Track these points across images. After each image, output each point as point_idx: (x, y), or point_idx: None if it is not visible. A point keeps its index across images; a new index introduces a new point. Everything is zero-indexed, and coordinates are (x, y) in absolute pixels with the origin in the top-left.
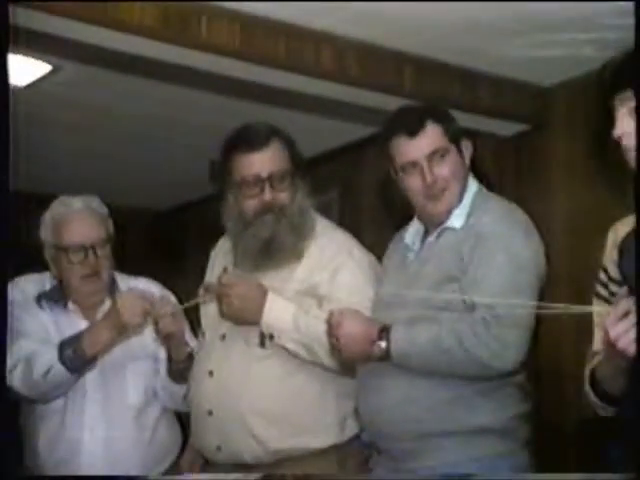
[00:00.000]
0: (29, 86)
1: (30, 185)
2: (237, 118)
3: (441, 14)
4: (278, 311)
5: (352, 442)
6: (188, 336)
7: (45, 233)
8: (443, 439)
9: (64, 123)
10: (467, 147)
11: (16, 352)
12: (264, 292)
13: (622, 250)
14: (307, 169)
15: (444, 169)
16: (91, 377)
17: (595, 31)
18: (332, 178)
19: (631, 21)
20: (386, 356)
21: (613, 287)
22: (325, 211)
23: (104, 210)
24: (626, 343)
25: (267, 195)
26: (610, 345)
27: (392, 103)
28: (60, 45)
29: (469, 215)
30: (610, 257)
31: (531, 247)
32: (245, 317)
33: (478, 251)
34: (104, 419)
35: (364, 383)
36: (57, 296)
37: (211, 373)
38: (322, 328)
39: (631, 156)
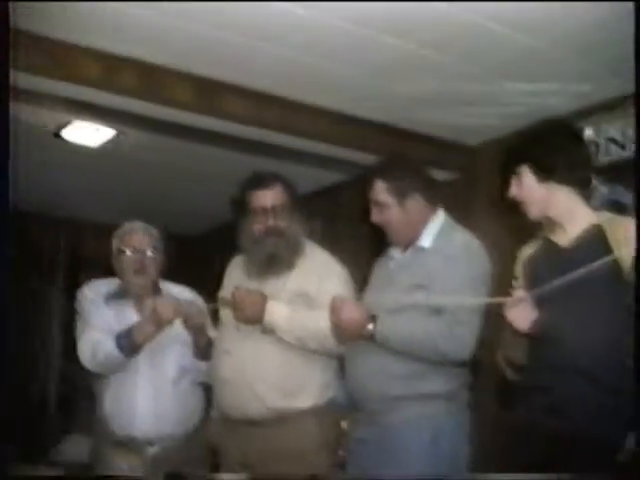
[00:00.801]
0: (100, 147)
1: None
2: (247, 168)
3: (399, 89)
4: (276, 313)
5: (329, 403)
6: (209, 328)
7: (115, 242)
8: (405, 401)
9: (127, 173)
10: (416, 199)
11: (85, 339)
12: (265, 299)
13: (526, 267)
14: (301, 205)
15: (383, 216)
16: (141, 357)
17: (503, 106)
18: (316, 211)
19: (528, 99)
20: (371, 338)
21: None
22: (311, 236)
23: (155, 232)
24: (520, 323)
25: (271, 222)
26: (509, 326)
27: (360, 157)
28: (123, 116)
29: (437, 238)
30: (518, 272)
31: (484, 267)
32: (252, 319)
33: (446, 268)
34: (151, 387)
35: (350, 358)
36: (120, 294)
37: (228, 352)
38: (310, 325)
39: (526, 208)
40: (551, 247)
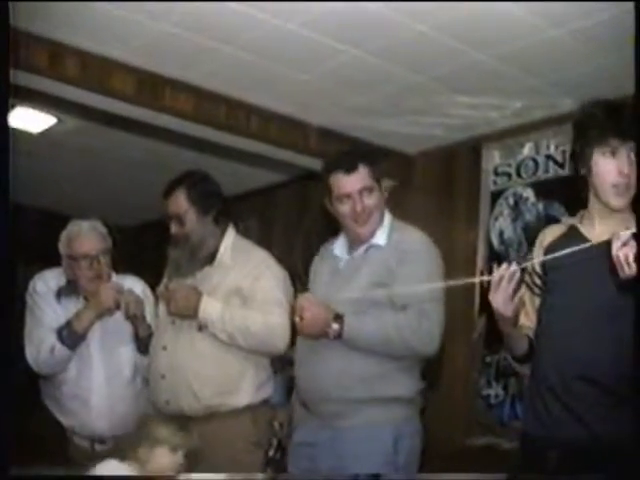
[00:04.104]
0: (41, 133)
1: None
2: (186, 163)
3: (340, 97)
4: (209, 309)
5: (263, 404)
6: (150, 319)
7: (62, 247)
8: (366, 404)
9: (66, 160)
10: (385, 186)
11: (32, 339)
12: (199, 295)
13: (547, 252)
14: (207, 206)
15: (371, 201)
16: (96, 355)
17: (443, 117)
18: (252, 210)
19: (469, 112)
20: (338, 337)
21: (535, 278)
22: (246, 234)
23: (104, 229)
24: (501, 306)
25: (174, 228)
26: (495, 311)
27: (300, 159)
28: (63, 103)
29: (390, 236)
30: (536, 255)
31: (438, 261)
32: (186, 313)
33: (405, 264)
34: (105, 385)
35: (305, 357)
36: (71, 291)
37: (165, 348)
38: (238, 322)
39: (624, 190)
40: (579, 239)
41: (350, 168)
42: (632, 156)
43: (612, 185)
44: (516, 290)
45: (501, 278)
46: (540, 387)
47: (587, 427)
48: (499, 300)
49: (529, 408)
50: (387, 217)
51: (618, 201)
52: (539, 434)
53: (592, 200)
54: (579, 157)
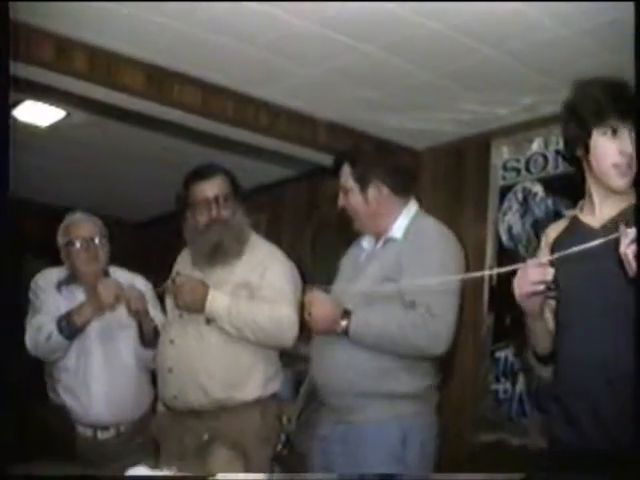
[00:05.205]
0: (49, 127)
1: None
2: (194, 158)
3: (349, 93)
4: (217, 303)
5: (272, 398)
6: (154, 314)
7: (60, 238)
8: (373, 399)
9: (74, 154)
10: (378, 187)
11: (31, 324)
12: (206, 288)
13: (553, 249)
14: (243, 197)
15: (349, 201)
16: (95, 342)
17: (453, 113)
18: (261, 205)
19: (478, 107)
20: (345, 333)
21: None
22: (255, 228)
23: (98, 220)
24: (518, 289)
25: (214, 212)
26: (518, 300)
27: (309, 154)
28: (71, 97)
29: (408, 229)
30: (542, 254)
31: (457, 259)
32: (193, 307)
33: (417, 260)
34: (105, 372)
35: (319, 350)
36: (71, 281)
37: (172, 341)
38: (246, 315)
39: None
40: (582, 228)
41: (336, 167)
42: (633, 135)
43: (613, 165)
44: (538, 284)
45: (533, 267)
46: (565, 389)
47: (610, 428)
48: (517, 282)
49: (555, 411)
50: (411, 210)
51: (620, 181)
52: (569, 437)
53: (591, 183)
54: (574, 138)
